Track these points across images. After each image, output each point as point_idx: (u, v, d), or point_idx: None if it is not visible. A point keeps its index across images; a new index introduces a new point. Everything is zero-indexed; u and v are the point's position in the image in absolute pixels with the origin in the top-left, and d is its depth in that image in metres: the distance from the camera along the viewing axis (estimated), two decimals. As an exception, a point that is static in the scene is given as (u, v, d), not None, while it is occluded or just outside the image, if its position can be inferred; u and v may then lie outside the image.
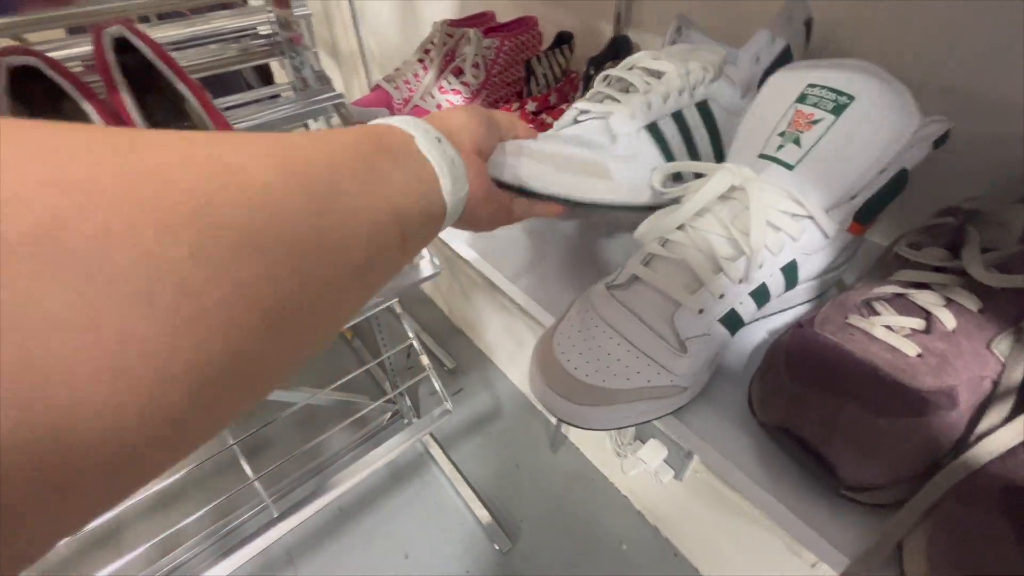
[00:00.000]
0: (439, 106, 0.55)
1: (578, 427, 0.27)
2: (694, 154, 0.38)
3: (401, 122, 0.23)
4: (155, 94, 0.40)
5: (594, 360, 0.27)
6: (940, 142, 0.29)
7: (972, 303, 0.25)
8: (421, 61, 0.61)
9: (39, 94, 0.35)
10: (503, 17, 0.62)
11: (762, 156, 0.30)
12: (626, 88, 0.37)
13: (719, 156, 0.39)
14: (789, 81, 0.30)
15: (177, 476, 0.66)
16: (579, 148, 0.34)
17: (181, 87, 0.38)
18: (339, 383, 0.72)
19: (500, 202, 0.30)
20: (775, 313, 0.34)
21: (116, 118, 0.37)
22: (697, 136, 0.37)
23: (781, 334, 0.30)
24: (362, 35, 1.09)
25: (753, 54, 0.38)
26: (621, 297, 0.29)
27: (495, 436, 1.21)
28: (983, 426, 0.24)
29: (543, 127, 0.49)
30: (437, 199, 0.23)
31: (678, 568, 0.99)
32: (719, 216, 0.29)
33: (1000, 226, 0.27)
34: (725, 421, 0.29)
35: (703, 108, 0.37)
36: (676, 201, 0.32)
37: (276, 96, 0.72)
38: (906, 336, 0.26)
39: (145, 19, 0.72)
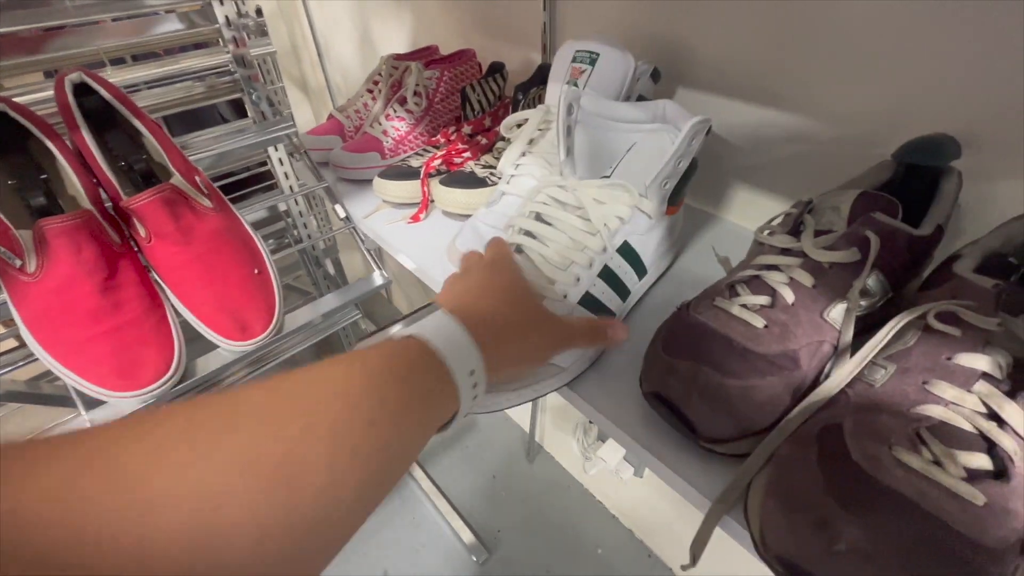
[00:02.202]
0: (385, 132, 0.60)
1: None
2: (624, 290, 0.37)
3: (442, 341, 0.23)
4: (115, 131, 0.44)
5: None
6: (655, 76, 0.45)
7: (807, 279, 0.30)
8: (370, 91, 0.66)
9: (10, 134, 0.38)
10: (446, 50, 0.68)
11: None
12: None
13: (641, 273, 0.39)
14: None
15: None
16: None
17: (138, 124, 0.43)
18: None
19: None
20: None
21: (78, 154, 0.41)
22: (623, 275, 0.37)
23: (666, 319, 0.34)
24: (328, 70, 1.15)
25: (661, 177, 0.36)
26: None
27: (472, 449, 1.23)
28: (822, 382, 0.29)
29: (477, 147, 0.54)
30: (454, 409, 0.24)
31: (653, 569, 1.01)
32: (545, 141, 0.37)
33: (833, 210, 0.32)
34: (618, 395, 0.33)
35: (624, 248, 0.36)
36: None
37: (243, 129, 0.76)
38: (756, 311, 0.30)
39: (122, 60, 0.76)
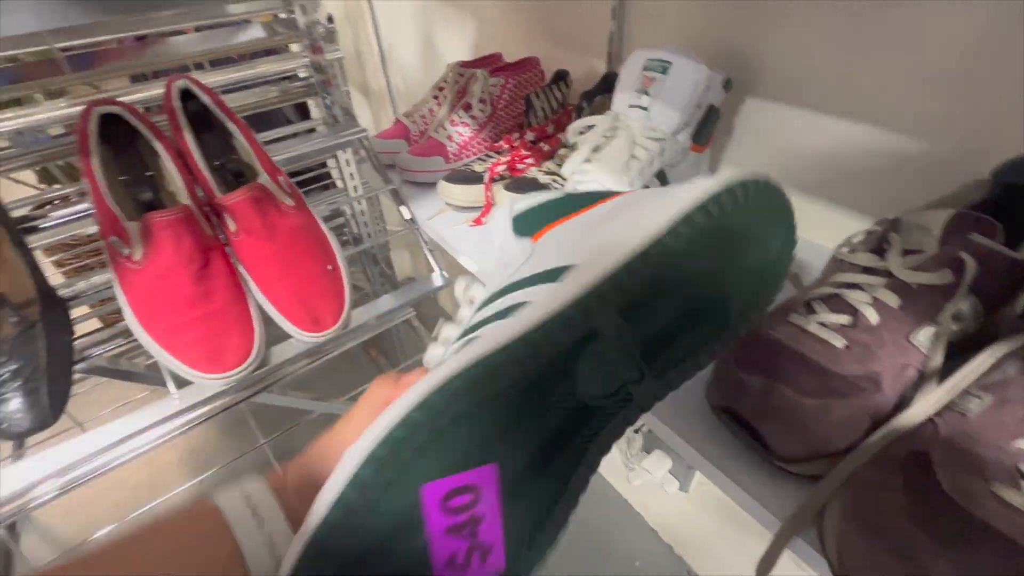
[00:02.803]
0: (450, 137, 0.62)
1: None
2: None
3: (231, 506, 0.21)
4: (210, 132, 0.48)
5: None
6: (727, 86, 0.45)
7: (893, 300, 0.29)
8: (436, 98, 0.68)
9: (119, 135, 0.43)
10: (510, 58, 0.69)
11: (630, 106, 0.44)
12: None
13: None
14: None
15: (210, 473, 0.72)
16: None
17: (231, 126, 0.46)
18: (357, 391, 0.77)
19: None
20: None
21: (179, 153, 0.45)
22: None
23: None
24: (390, 75, 1.20)
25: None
26: None
27: (511, 451, 1.24)
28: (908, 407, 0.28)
29: (540, 154, 0.55)
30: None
31: (692, 587, 0.98)
32: (612, 147, 0.42)
33: (922, 230, 0.30)
34: (684, 409, 0.33)
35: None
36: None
37: (312, 130, 0.80)
38: (835, 330, 0.29)
39: (200, 65, 0.82)
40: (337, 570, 0.17)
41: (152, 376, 0.52)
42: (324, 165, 0.91)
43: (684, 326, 0.22)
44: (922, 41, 0.36)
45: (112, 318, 0.66)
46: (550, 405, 0.20)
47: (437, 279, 0.57)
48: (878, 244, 0.31)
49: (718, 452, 0.31)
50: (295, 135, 0.75)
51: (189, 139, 0.43)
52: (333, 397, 0.89)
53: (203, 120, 0.47)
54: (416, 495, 0.18)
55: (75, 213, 0.45)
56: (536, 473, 0.21)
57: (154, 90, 0.59)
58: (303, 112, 1.74)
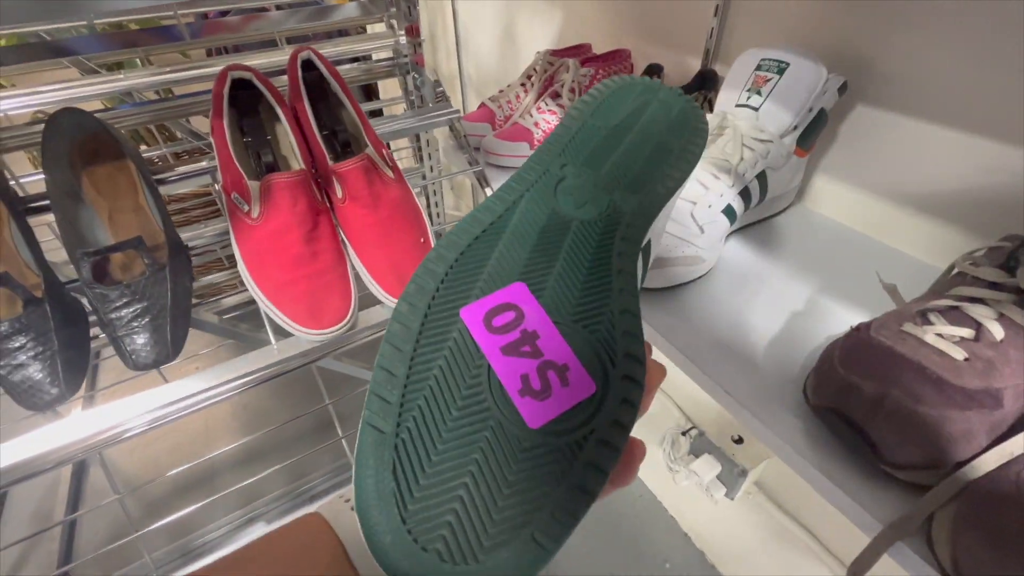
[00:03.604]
0: (536, 124, 0.63)
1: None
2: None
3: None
4: (322, 103, 0.50)
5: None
6: (842, 90, 0.45)
7: (1022, 318, 0.28)
8: (523, 85, 0.69)
9: (248, 99, 0.46)
10: (599, 49, 0.69)
11: (738, 105, 0.45)
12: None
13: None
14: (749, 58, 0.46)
15: (270, 428, 0.76)
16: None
17: (344, 98, 0.49)
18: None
19: None
20: (759, 222, 0.50)
21: (296, 120, 0.47)
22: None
23: (838, 337, 0.34)
24: (463, 61, 1.21)
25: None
26: None
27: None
28: (1027, 428, 0.27)
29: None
30: None
31: (722, 596, 0.97)
32: (716, 146, 0.44)
33: (1057, 252, 0.30)
34: (779, 409, 0.33)
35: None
36: None
37: (379, 111, 0.83)
38: (955, 343, 0.29)
39: (273, 43, 0.85)
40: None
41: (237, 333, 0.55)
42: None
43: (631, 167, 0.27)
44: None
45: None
46: (551, 231, 0.24)
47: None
48: (1005, 260, 0.31)
49: (812, 451, 0.31)
50: (373, 114, 0.78)
51: (307, 108, 0.46)
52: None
53: (318, 90, 0.50)
54: (459, 320, 0.20)
55: (199, 170, 0.48)
56: (571, 289, 0.22)
57: (259, 60, 0.63)
58: (367, 94, 1.79)
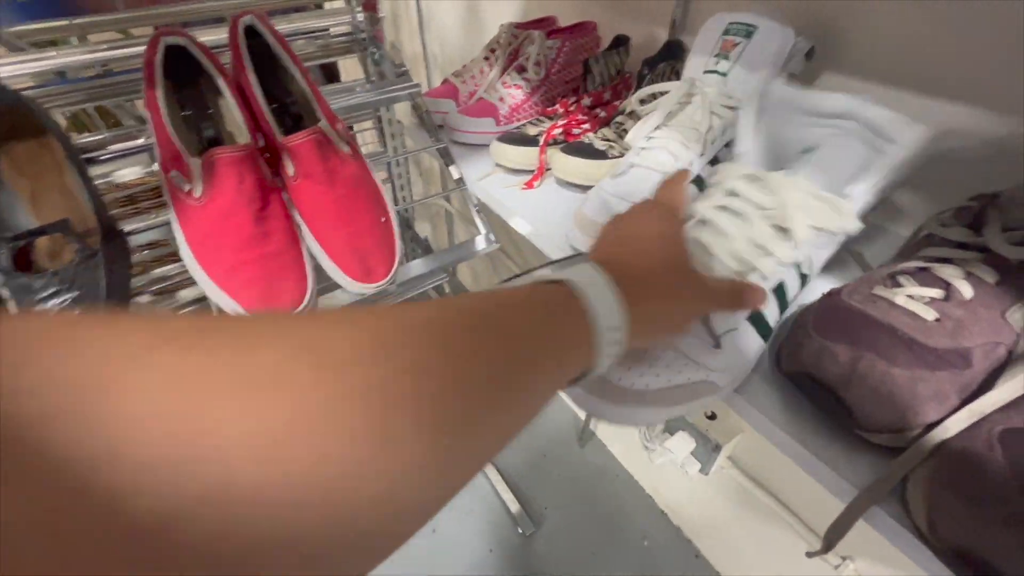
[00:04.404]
0: (501, 99, 0.60)
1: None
2: (784, 304, 0.34)
3: (589, 293, 0.22)
4: (270, 75, 0.47)
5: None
6: (810, 55, 0.43)
7: (990, 276, 0.28)
8: (487, 59, 0.66)
9: (187, 69, 0.42)
10: (564, 22, 0.67)
11: (706, 71, 0.42)
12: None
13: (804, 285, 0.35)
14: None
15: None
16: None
17: (294, 70, 0.45)
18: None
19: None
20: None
21: (241, 92, 0.44)
22: (791, 289, 0.33)
23: (810, 304, 0.33)
24: (427, 40, 1.17)
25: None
26: None
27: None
28: (996, 386, 0.27)
29: (596, 120, 0.54)
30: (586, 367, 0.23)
31: (699, 569, 0.99)
32: (685, 114, 0.41)
33: (1022, 207, 0.29)
34: (752, 377, 0.33)
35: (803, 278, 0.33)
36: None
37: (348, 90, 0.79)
38: (926, 304, 0.29)
39: (222, 19, 0.80)
40: None
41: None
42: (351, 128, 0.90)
43: None
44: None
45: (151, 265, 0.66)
46: None
47: (482, 242, 0.57)
48: (973, 220, 0.30)
49: (785, 419, 0.30)
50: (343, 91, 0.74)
51: (252, 78, 0.43)
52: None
53: (265, 61, 0.46)
54: None
55: (135, 147, 0.44)
56: None
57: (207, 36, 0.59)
58: (329, 76, 1.71)
